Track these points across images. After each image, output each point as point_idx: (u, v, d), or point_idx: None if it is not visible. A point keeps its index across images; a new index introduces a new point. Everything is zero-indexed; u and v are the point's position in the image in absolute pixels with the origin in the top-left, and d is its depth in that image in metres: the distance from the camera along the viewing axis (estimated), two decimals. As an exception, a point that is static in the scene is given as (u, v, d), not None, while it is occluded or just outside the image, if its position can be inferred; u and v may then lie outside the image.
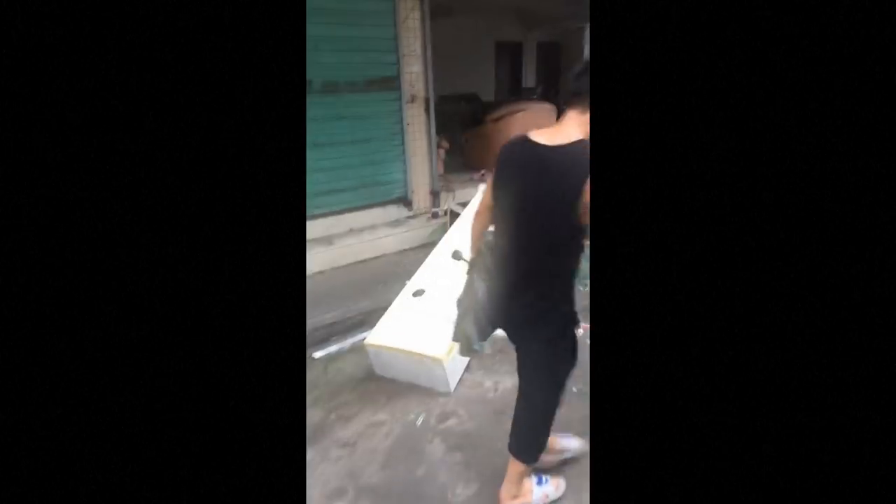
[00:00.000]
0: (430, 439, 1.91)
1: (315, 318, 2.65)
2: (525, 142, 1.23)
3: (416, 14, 3.69)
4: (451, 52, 5.49)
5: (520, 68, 8.83)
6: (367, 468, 1.77)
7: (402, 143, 3.86)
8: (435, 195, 4.21)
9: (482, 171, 5.14)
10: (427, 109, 3.93)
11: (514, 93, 8.19)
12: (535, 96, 6.98)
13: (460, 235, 2.96)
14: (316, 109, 3.22)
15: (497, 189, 1.31)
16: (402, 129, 3.82)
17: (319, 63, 3.23)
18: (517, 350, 1.47)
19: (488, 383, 2.24)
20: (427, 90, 3.89)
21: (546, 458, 1.61)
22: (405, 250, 3.80)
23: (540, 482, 1.59)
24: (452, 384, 2.19)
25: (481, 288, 1.39)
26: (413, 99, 3.83)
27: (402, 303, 2.48)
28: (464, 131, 5.68)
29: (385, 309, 2.46)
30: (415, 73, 3.80)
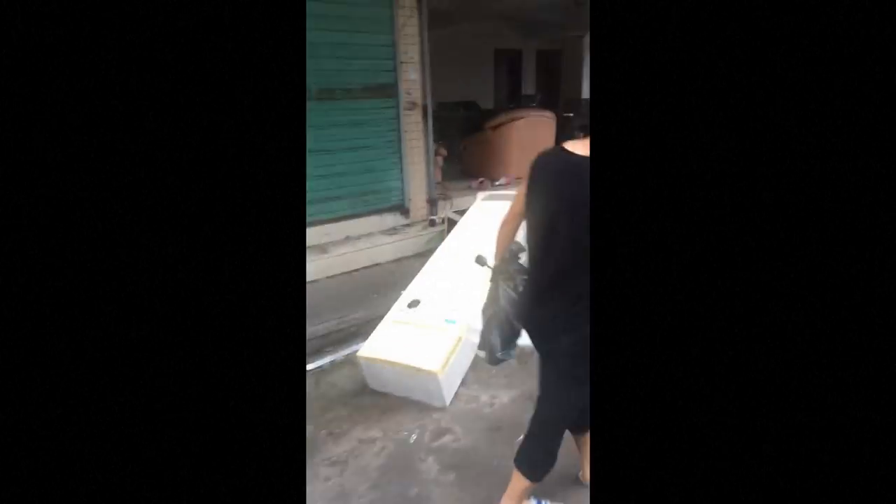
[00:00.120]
0: (424, 458, 1.85)
1: (307, 328, 2.60)
2: (561, 152, 1.24)
3: (415, 21, 3.67)
4: (450, 60, 5.47)
5: (519, 75, 8.84)
6: (358, 488, 1.72)
7: (400, 151, 3.83)
8: (432, 203, 4.18)
9: (481, 179, 5.11)
10: (425, 116, 3.91)
11: (513, 100, 8.19)
12: (534, 104, 6.98)
13: (457, 244, 2.92)
14: (312, 116, 3.18)
15: (531, 197, 1.30)
16: (399, 137, 3.80)
17: (316, 69, 3.20)
18: (541, 360, 1.44)
19: (484, 398, 2.18)
20: (425, 97, 3.87)
21: None
22: (401, 259, 3.75)
23: (538, 505, 1.54)
24: (448, 398, 2.14)
25: (505, 295, 1.38)
26: (411, 106, 3.81)
27: (397, 314, 2.43)
28: (462, 139, 5.67)
29: (380, 319, 2.41)
30: (413, 80, 3.78)
